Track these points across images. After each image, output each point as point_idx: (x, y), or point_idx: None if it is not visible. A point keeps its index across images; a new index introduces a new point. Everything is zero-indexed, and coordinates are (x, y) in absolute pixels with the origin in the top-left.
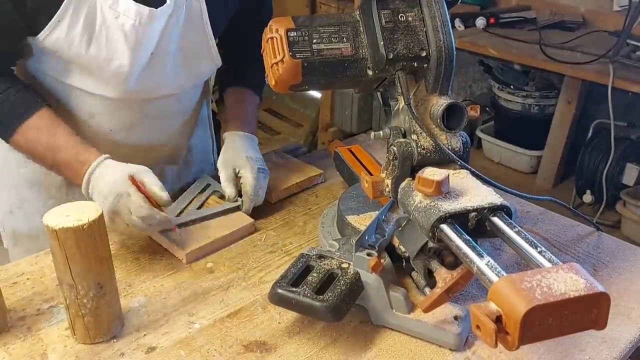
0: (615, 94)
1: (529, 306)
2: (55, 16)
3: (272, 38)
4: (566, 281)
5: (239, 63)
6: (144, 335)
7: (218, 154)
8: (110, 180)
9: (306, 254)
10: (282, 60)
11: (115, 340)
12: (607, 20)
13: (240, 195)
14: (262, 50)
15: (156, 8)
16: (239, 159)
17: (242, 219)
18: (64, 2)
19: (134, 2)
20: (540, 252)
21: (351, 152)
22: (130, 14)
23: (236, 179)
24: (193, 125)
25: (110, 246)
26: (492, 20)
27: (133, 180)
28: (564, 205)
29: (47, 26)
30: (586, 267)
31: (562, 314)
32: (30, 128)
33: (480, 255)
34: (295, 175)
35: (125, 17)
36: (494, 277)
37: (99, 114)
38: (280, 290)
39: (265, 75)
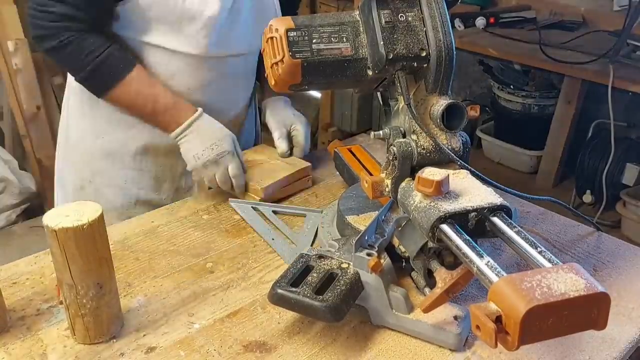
0: (615, 94)
1: (529, 306)
2: None
3: (272, 38)
4: (566, 281)
5: None
6: (144, 335)
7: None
8: (219, 135)
9: (306, 254)
10: (281, 60)
11: (115, 341)
12: (607, 20)
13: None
14: (262, 50)
15: None
16: (288, 118)
17: (300, 162)
18: None
19: None
20: (540, 252)
21: (351, 152)
22: None
23: (289, 135)
24: (250, 92)
25: (110, 246)
26: (492, 20)
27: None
28: (564, 205)
29: None
30: (586, 267)
31: (562, 314)
32: (133, 79)
33: (480, 255)
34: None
35: None
36: (494, 277)
37: (178, 73)
38: (280, 290)
39: None
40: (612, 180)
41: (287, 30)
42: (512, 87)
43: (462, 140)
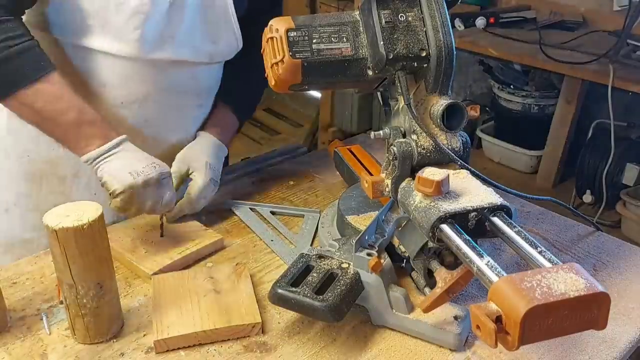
0: (615, 94)
1: (529, 306)
2: None
3: (272, 38)
4: (566, 281)
5: (237, 80)
6: (144, 335)
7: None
8: (151, 157)
9: (306, 254)
10: (282, 60)
11: (115, 340)
12: (607, 20)
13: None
14: (262, 50)
15: None
16: (198, 160)
17: (209, 235)
18: None
19: None
20: (540, 252)
21: (351, 152)
22: None
23: (185, 178)
24: (205, 115)
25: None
26: (492, 20)
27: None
28: (564, 205)
29: None
30: (586, 267)
31: (562, 314)
32: (56, 81)
33: (480, 255)
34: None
35: None
36: (494, 277)
37: (110, 84)
38: (280, 290)
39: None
40: (612, 180)
41: (287, 30)
42: (512, 87)
43: (462, 140)
